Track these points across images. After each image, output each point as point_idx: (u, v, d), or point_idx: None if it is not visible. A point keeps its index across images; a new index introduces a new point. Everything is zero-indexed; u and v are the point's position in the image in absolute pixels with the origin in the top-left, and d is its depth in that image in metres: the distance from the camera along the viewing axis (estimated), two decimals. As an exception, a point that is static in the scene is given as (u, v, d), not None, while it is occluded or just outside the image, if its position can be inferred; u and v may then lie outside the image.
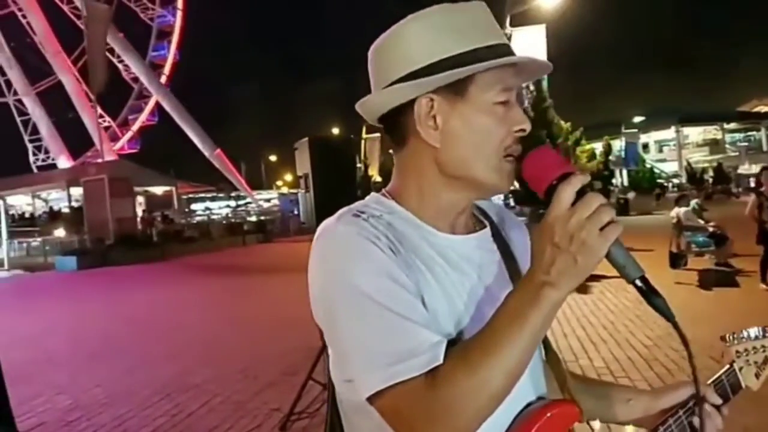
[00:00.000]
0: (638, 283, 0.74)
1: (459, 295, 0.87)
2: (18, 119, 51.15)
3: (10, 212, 31.05)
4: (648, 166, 43.32)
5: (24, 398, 4.87)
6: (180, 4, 50.37)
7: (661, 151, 66.36)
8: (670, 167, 59.93)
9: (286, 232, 31.12)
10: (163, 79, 50.23)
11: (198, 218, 38.60)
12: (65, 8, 46.75)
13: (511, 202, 19.54)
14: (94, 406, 4.74)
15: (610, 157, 31.82)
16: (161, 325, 8.43)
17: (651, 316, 6.22)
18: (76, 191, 26.23)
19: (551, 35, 23.29)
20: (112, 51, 42.68)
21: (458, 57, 0.84)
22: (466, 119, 0.86)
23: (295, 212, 30.90)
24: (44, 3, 45.34)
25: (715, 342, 1.18)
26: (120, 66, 48.55)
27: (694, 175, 46.22)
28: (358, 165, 30.72)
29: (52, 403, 4.89)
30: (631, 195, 31.49)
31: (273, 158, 67.78)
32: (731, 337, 1.10)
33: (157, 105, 50.59)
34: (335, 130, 35.37)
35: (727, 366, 1.08)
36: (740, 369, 1.08)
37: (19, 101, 49.55)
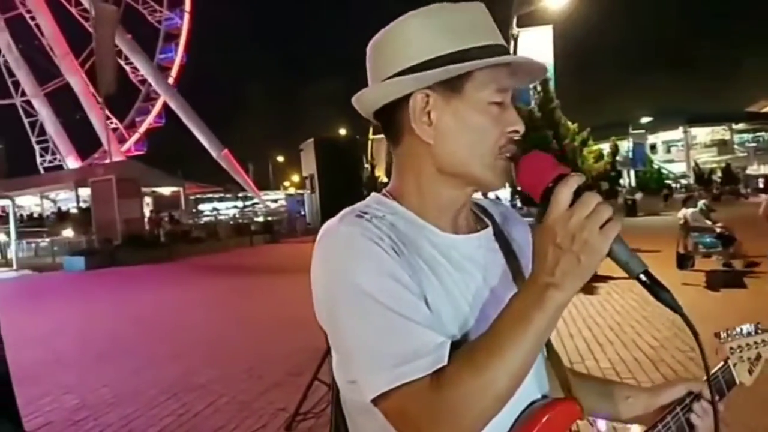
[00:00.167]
0: (642, 277, 0.74)
1: (462, 296, 0.87)
2: (26, 120, 51.61)
3: (19, 213, 31.24)
4: (656, 166, 43.20)
5: (31, 398, 4.90)
6: (187, 6, 50.56)
7: (669, 151, 65.93)
8: (678, 168, 59.51)
9: (293, 233, 31.08)
10: (171, 81, 50.44)
11: (205, 219, 38.62)
12: (73, 10, 47.19)
13: (518, 203, 19.50)
14: (101, 405, 4.76)
15: (618, 158, 31.59)
16: (168, 325, 8.46)
17: (658, 317, 6.20)
18: (84, 192, 26.32)
19: (558, 36, 23.34)
20: (119, 53, 42.86)
21: (454, 54, 0.85)
22: (460, 116, 0.87)
23: (302, 213, 30.90)
24: (53, 5, 45.78)
25: (721, 343, 1.18)
26: (128, 68, 48.80)
27: (702, 176, 45.94)
28: (366, 166, 30.72)
29: (60, 403, 4.91)
30: (638, 196, 31.43)
31: (281, 159, 68.10)
32: (725, 334, 1.12)
33: (164, 107, 50.84)
34: (342, 131, 35.38)
35: (722, 362, 1.10)
36: (734, 365, 1.09)
37: (27, 102, 49.97)
